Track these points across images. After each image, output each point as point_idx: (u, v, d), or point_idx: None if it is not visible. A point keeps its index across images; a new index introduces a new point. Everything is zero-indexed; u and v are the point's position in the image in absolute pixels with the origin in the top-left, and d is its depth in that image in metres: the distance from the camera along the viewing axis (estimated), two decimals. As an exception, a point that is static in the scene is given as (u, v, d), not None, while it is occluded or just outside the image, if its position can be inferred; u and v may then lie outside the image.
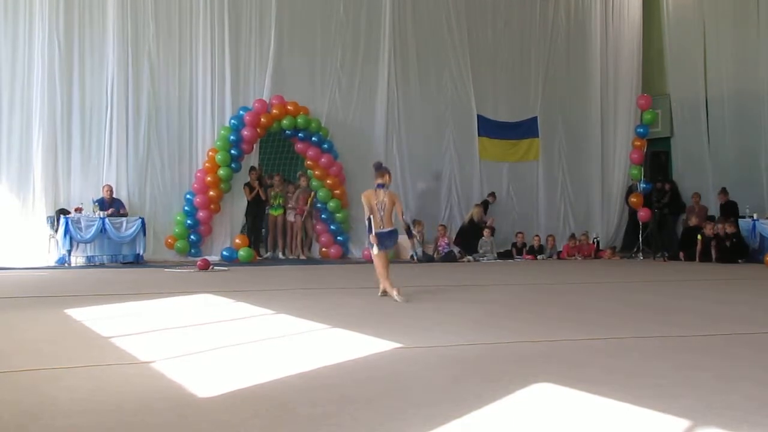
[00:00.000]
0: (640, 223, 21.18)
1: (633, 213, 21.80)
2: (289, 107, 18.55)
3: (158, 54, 18.07)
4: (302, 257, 18.50)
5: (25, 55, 17.01)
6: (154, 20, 18.06)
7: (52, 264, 16.06)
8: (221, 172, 17.87)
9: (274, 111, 18.43)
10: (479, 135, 21.39)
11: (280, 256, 18.64)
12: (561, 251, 20.76)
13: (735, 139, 20.92)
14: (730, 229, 18.43)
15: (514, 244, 20.50)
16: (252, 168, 18.51)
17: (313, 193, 18.67)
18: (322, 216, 19.02)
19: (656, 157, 21.87)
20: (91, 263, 16.21)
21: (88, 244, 16.30)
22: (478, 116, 21.37)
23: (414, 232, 10.91)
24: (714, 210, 20.65)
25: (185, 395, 4.80)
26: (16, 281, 12.62)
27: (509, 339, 6.91)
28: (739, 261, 18.11)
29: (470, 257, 19.11)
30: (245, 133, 18.12)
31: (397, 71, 20.43)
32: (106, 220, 16.26)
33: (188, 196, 17.92)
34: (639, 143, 21.88)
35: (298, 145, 18.99)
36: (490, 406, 4.51)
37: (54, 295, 10.39)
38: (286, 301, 9.79)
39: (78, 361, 5.78)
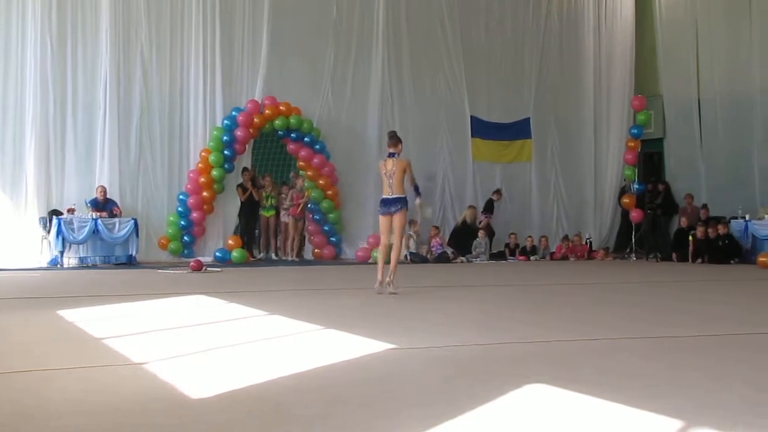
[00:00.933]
0: (633, 224, 21.23)
1: (626, 214, 21.83)
2: (281, 108, 18.55)
3: (151, 54, 18.05)
4: (295, 258, 18.49)
5: (18, 56, 17.00)
6: (146, 20, 18.05)
7: (45, 265, 16.04)
8: (214, 172, 17.86)
9: (267, 111, 18.43)
10: (472, 136, 21.40)
11: (273, 257, 18.63)
12: (554, 252, 20.79)
13: (727, 140, 20.96)
14: (722, 230, 18.51)
15: (507, 245, 20.52)
16: (245, 169, 18.50)
17: (307, 194, 18.65)
18: (315, 217, 19.02)
19: (649, 158, 21.94)
20: (83, 264, 16.18)
21: (81, 245, 16.28)
22: (472, 117, 21.38)
23: (418, 203, 11.40)
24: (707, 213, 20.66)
25: (179, 396, 4.80)
26: (9, 282, 12.60)
27: (503, 340, 6.92)
28: (732, 261, 18.16)
29: (463, 258, 19.13)
30: (238, 133, 18.12)
31: (390, 72, 20.44)
32: (99, 221, 16.24)
33: (181, 196, 17.91)
34: (632, 144, 21.93)
35: (291, 146, 18.98)
36: (484, 406, 4.52)
37: (46, 297, 10.38)
38: (280, 301, 9.78)
39: (71, 363, 5.78)
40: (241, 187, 18.33)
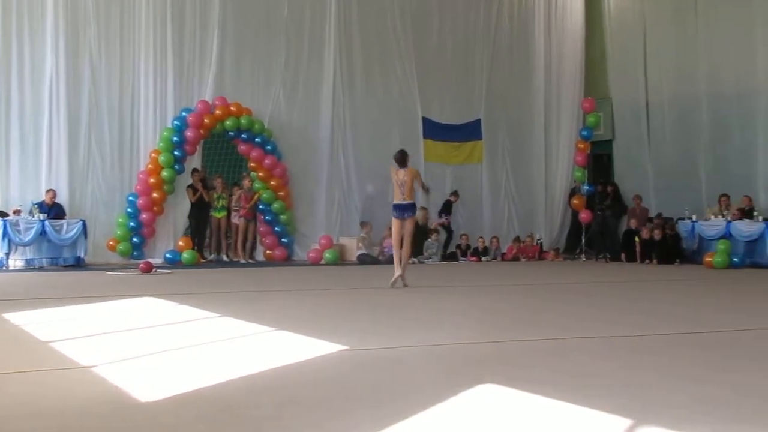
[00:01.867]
0: (583, 225, 21.42)
1: (576, 215, 22.02)
2: (232, 108, 18.45)
3: (99, 54, 17.83)
4: (247, 260, 18.38)
5: (-38, 58, 16.73)
6: (95, 20, 17.81)
7: (-10, 267, 15.76)
8: (164, 173, 17.69)
9: (218, 112, 18.31)
10: (424, 137, 21.41)
11: (224, 258, 18.52)
12: (505, 253, 20.91)
13: (674, 142, 21.21)
14: (670, 231, 18.77)
15: (458, 246, 20.58)
16: (195, 170, 18.36)
17: (256, 195, 18.55)
18: (266, 218, 18.93)
19: (599, 160, 22.15)
20: (30, 266, 15.92)
21: (27, 247, 16.02)
22: (423, 118, 21.39)
23: (427, 186, 13.76)
24: (654, 213, 20.86)
25: (128, 399, 4.74)
26: (-47, 285, 12.37)
27: (455, 340, 6.92)
28: (677, 261, 18.39)
29: (415, 259, 19.12)
30: (188, 134, 17.98)
31: (342, 72, 20.37)
32: (46, 222, 15.98)
33: (131, 197, 17.71)
34: (582, 146, 22.13)
35: (242, 147, 18.89)
36: (436, 407, 4.52)
37: (-8, 299, 10.20)
38: (231, 303, 9.72)
39: (18, 366, 5.67)
40: (192, 188, 18.18)
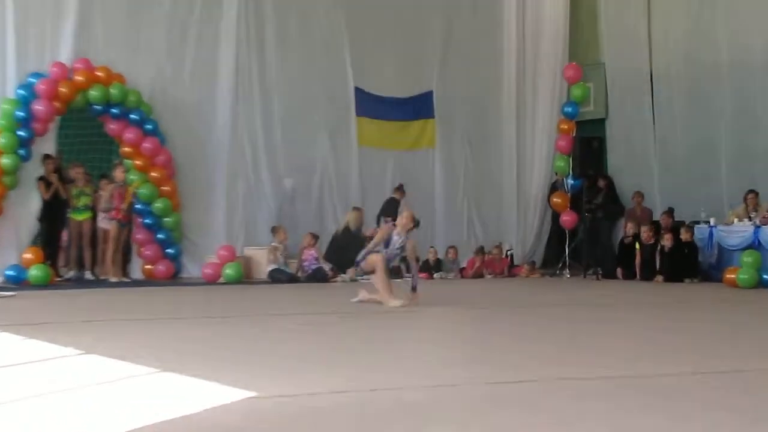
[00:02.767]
0: (566, 231, 21.49)
1: (557, 217, 22.12)
2: (98, 74, 18.33)
3: None
4: (119, 278, 18.14)
5: None
6: None
7: None
8: (5, 160, 17.49)
9: (79, 78, 18.16)
10: (358, 114, 21.46)
11: (88, 275, 18.36)
12: (464, 267, 20.94)
13: (687, 122, 21.47)
14: (685, 236, 18.83)
15: (402, 259, 20.44)
16: (47, 156, 18.17)
17: (130, 189, 18.30)
18: (146, 221, 18.74)
19: (587, 145, 22.28)
20: None
21: None
22: (357, 90, 21.40)
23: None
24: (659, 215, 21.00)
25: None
26: None
27: (387, 383, 6.93)
28: (685, 281, 18.45)
29: (345, 276, 19.07)
30: (37, 107, 17.78)
31: (248, 28, 20.33)
32: None
33: (-41, 194, 17.47)
34: (566, 126, 22.19)
35: (112, 125, 18.75)
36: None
37: None
38: (99, 336, 9.65)
39: None
40: (44, 180, 18.02)
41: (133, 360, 7.84)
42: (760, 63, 20.04)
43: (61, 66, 18.14)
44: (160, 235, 18.95)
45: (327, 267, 19.21)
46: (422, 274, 20.07)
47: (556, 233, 22.56)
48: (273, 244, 19.20)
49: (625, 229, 20.54)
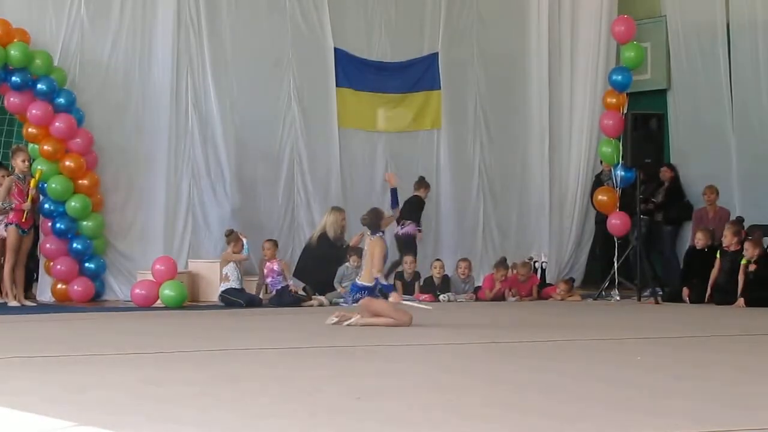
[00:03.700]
0: (615, 239, 21.46)
1: (604, 221, 22.05)
2: (-5, 31, 18.35)
3: None
4: (21, 301, 18.14)
5: None
6: None
7: None
8: None
9: (-34, 36, 18.19)
10: (338, 85, 21.50)
11: (-22, 298, 18.38)
12: (480, 286, 20.93)
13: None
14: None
15: (398, 274, 20.40)
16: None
17: (35, 181, 18.29)
18: (58, 226, 18.74)
19: (644, 125, 22.27)
20: None
21: None
22: (337, 51, 21.40)
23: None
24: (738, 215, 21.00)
25: None
26: None
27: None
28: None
29: (321, 298, 19.04)
30: None
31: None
32: None
33: None
34: (614, 100, 22.12)
35: (12, 98, 18.75)
36: None
37: None
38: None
39: None
40: None
41: (43, 410, 7.78)
42: None
43: (-60, 19, 18.27)
44: (76, 245, 18.94)
45: (294, 287, 19.11)
46: (426, 296, 20.13)
47: (602, 242, 22.55)
48: (226, 252, 19.15)
49: (693, 238, 20.53)
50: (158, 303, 18.21)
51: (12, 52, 18.36)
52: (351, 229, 20.16)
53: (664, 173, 22.05)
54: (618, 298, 20.84)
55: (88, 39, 19.57)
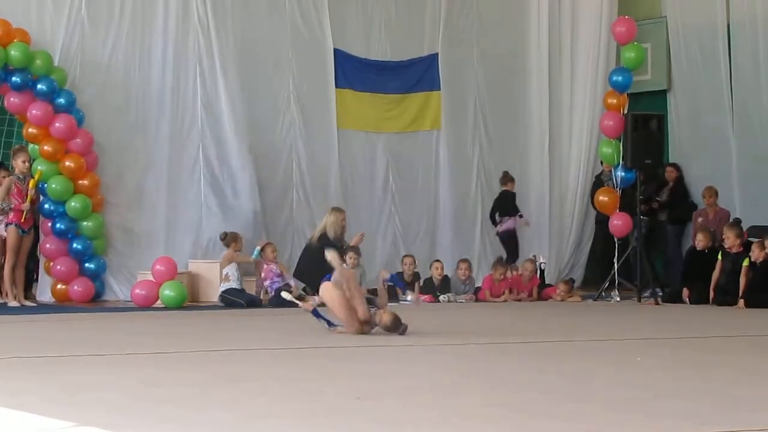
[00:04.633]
0: (616, 240, 21.43)
1: (605, 222, 22.02)
2: (-6, 31, 18.34)
3: None
4: (21, 301, 18.13)
5: None
6: None
7: None
8: None
9: (-35, 36, 18.18)
10: (338, 86, 21.49)
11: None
12: (480, 287, 20.94)
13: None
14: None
15: (397, 276, 20.34)
16: None
17: (35, 181, 18.27)
18: (58, 226, 18.73)
19: (644, 125, 22.24)
20: None
21: None
22: (336, 52, 21.40)
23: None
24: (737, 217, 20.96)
25: None
26: None
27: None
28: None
29: (315, 299, 19.00)
30: None
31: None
32: None
33: None
34: (615, 101, 22.10)
35: (12, 99, 18.74)
36: None
37: None
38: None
39: None
40: None
41: (43, 411, 7.79)
42: None
43: (-59, 21, 18.27)
44: (76, 245, 18.94)
45: (295, 287, 19.08)
46: (425, 297, 20.10)
47: (602, 242, 22.54)
48: (227, 252, 19.15)
49: (694, 239, 20.51)
50: (158, 303, 18.21)
51: (12, 52, 18.35)
52: (351, 230, 20.20)
53: (670, 173, 22.06)
54: (618, 298, 20.84)
55: (88, 39, 19.57)
